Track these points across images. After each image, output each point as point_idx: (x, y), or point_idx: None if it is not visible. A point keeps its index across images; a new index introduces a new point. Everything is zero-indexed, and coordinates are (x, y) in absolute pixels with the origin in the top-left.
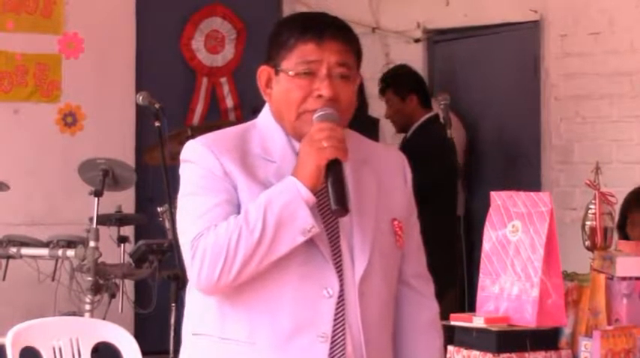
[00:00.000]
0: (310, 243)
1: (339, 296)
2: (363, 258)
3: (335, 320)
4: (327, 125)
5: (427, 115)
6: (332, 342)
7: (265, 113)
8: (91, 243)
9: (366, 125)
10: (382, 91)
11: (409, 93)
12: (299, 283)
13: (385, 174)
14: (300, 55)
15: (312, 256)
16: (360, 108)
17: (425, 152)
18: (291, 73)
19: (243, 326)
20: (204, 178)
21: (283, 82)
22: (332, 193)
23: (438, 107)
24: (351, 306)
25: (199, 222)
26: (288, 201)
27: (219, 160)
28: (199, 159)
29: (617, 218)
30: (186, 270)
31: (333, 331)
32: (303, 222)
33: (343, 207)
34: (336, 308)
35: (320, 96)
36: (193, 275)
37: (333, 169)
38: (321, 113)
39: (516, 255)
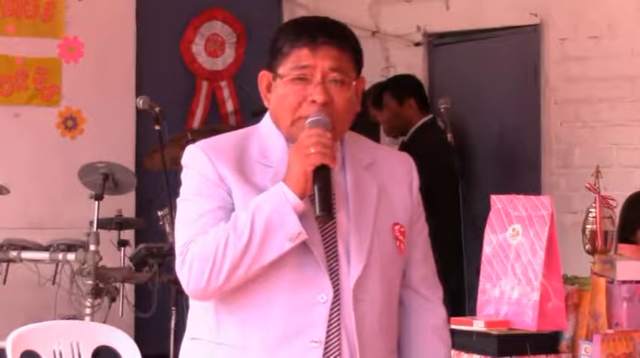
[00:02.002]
0: (304, 248)
1: (335, 302)
2: (358, 263)
3: (329, 325)
4: (315, 131)
5: (425, 119)
6: (326, 348)
7: (266, 118)
8: (92, 247)
9: (366, 128)
10: (379, 97)
11: (407, 97)
12: (292, 288)
13: (390, 179)
14: (294, 60)
15: (306, 261)
16: (360, 112)
17: (423, 155)
18: (285, 78)
19: (237, 331)
20: (199, 184)
21: (279, 88)
22: (317, 199)
23: (437, 111)
24: (346, 311)
25: (191, 227)
26: (276, 208)
27: (215, 165)
28: (195, 164)
29: (618, 222)
30: (177, 276)
31: (328, 336)
32: (291, 229)
33: (327, 214)
34: (331, 314)
35: (313, 101)
36: (183, 281)
37: (320, 175)
38: (312, 119)
39: (517, 258)
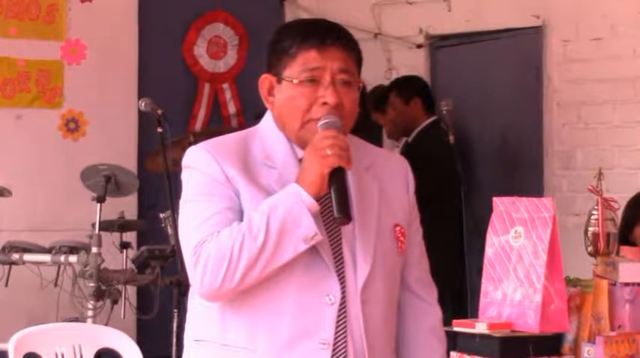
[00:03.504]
0: (312, 249)
1: (341, 303)
2: (364, 265)
3: (337, 326)
4: (331, 133)
5: (429, 120)
6: (334, 349)
7: (267, 120)
8: (94, 249)
9: (369, 130)
10: (383, 98)
11: (413, 97)
12: (301, 290)
13: (388, 181)
14: (302, 62)
15: (315, 263)
16: (362, 114)
17: (427, 156)
18: (294, 81)
19: (244, 333)
20: (206, 184)
21: (286, 90)
22: (334, 201)
23: (440, 113)
24: (352, 313)
25: (202, 228)
26: (291, 209)
27: (221, 166)
28: (201, 165)
29: (619, 222)
30: (189, 277)
31: (335, 338)
32: (306, 230)
33: (345, 216)
34: (338, 315)
35: (325, 103)
36: (196, 281)
37: (336, 177)
38: (325, 121)
39: (519, 260)
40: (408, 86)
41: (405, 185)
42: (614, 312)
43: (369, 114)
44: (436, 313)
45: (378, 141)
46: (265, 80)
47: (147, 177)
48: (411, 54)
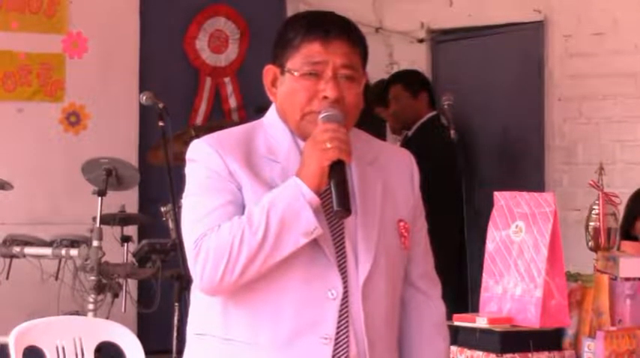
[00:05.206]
0: (314, 244)
1: (343, 298)
2: (366, 260)
3: (339, 321)
4: (331, 126)
5: (430, 114)
6: (335, 344)
7: (271, 112)
8: (95, 243)
9: (372, 125)
10: (386, 91)
11: (421, 90)
12: (302, 284)
13: (392, 175)
14: (305, 55)
15: (316, 257)
16: (366, 108)
17: (427, 152)
18: (296, 73)
19: (246, 327)
20: (208, 178)
21: (288, 82)
22: (334, 195)
23: (441, 107)
24: (354, 308)
25: (203, 222)
26: (291, 203)
27: (224, 160)
28: (204, 159)
29: (621, 218)
30: (190, 271)
31: (337, 333)
32: (306, 224)
33: (345, 209)
34: (340, 310)
35: (325, 97)
36: (196, 276)
37: (337, 170)
38: (325, 114)
39: (520, 255)
40: (415, 79)
41: (410, 180)
42: (615, 307)
43: (372, 109)
44: (440, 309)
45: (381, 136)
46: (269, 71)
47: (148, 170)
48: (413, 48)
